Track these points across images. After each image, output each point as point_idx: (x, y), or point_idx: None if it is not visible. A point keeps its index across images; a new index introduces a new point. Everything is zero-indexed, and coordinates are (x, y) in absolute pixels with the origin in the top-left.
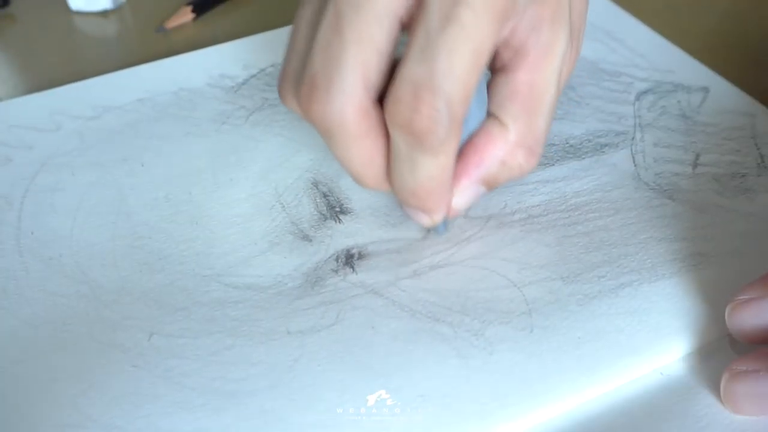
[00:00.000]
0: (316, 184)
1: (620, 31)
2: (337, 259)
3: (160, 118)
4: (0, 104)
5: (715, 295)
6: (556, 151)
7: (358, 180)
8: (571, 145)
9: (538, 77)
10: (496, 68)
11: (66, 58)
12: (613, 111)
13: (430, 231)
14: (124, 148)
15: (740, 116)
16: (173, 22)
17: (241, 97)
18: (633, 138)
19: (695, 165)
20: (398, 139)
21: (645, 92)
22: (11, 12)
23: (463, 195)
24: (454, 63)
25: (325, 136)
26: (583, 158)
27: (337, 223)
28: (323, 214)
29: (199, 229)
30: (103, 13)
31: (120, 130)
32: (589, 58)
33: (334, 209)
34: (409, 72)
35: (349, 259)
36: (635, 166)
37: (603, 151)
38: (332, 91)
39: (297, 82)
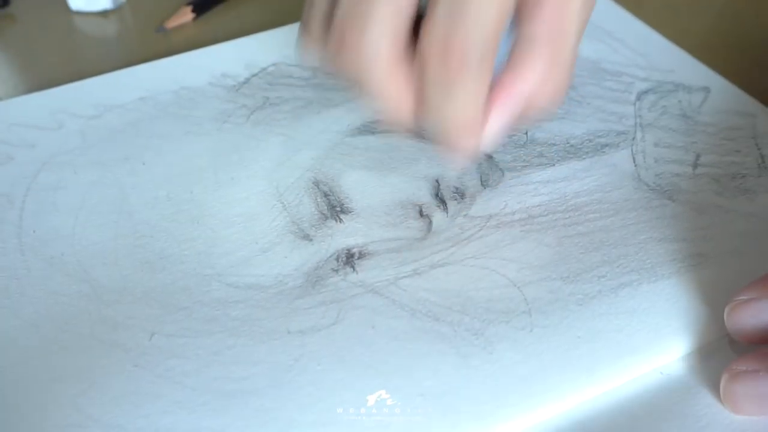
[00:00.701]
0: (317, 184)
1: (621, 31)
2: (337, 259)
3: (162, 117)
4: (1, 103)
5: (715, 295)
6: (556, 151)
7: (394, 113)
8: (572, 145)
9: (563, 15)
10: (520, 8)
11: (66, 58)
12: (613, 111)
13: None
14: (125, 147)
15: (741, 116)
16: (173, 22)
17: (243, 96)
18: (633, 138)
19: (695, 165)
20: (434, 65)
21: (646, 92)
22: (11, 12)
23: (492, 130)
24: None
25: (359, 72)
26: (584, 158)
27: (338, 222)
28: (324, 214)
29: (200, 229)
30: (103, 13)
31: (121, 129)
32: (590, 58)
33: (335, 209)
34: None
35: (350, 258)
36: (635, 166)
37: (603, 151)
38: (369, 24)
39: (326, 24)
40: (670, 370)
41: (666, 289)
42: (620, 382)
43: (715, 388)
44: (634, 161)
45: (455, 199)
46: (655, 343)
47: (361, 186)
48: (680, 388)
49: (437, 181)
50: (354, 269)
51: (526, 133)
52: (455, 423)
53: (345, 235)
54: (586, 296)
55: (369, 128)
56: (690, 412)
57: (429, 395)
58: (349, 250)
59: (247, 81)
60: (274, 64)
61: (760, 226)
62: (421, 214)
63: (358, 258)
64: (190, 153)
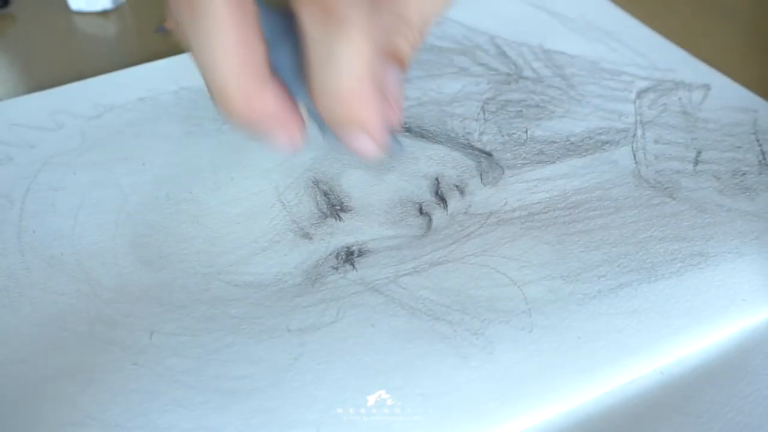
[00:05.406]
0: (316, 183)
1: (620, 32)
2: (337, 257)
3: (161, 118)
4: (1, 103)
5: (715, 295)
6: (556, 149)
7: (222, 84)
8: (572, 143)
9: None
10: None
11: (66, 58)
12: (613, 109)
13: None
14: (125, 147)
15: (742, 112)
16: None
17: None
18: (634, 135)
19: (696, 162)
20: (311, 26)
21: (646, 90)
22: (11, 12)
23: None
24: None
25: (188, 12)
26: (584, 155)
27: (338, 220)
28: (324, 212)
29: (199, 228)
30: (103, 13)
31: (121, 129)
32: (589, 58)
33: (335, 207)
34: None
35: (350, 256)
36: (636, 163)
37: (604, 149)
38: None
39: None
40: (670, 370)
41: (666, 290)
42: (620, 382)
43: (715, 386)
44: (635, 158)
45: (455, 197)
46: (655, 344)
47: (360, 185)
48: (680, 388)
49: (437, 178)
50: (354, 267)
51: (526, 131)
52: (455, 423)
53: (345, 233)
54: (586, 296)
55: None
56: (690, 411)
57: (429, 395)
58: (348, 247)
59: None
60: None
61: (761, 225)
62: (420, 211)
63: (358, 256)
64: (190, 153)
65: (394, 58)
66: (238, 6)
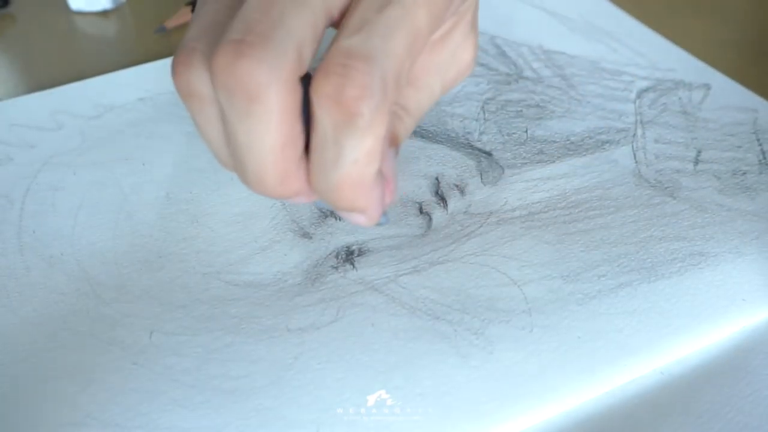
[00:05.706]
0: None
1: (621, 32)
2: (337, 256)
3: (161, 118)
4: (1, 104)
5: (715, 295)
6: (556, 149)
7: (262, 170)
8: (572, 142)
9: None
10: None
11: (66, 58)
12: (614, 108)
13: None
14: (125, 147)
15: (742, 111)
16: (173, 22)
17: None
18: (634, 135)
19: (696, 161)
20: (324, 116)
21: (646, 90)
22: (11, 12)
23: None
24: (390, 39)
25: (243, 103)
26: (584, 155)
27: (338, 220)
28: (323, 212)
29: (199, 228)
30: (103, 13)
31: (121, 129)
32: (590, 58)
33: None
34: (343, 42)
35: (349, 255)
36: (636, 162)
37: (604, 148)
38: (269, 47)
39: (215, 38)
40: (670, 370)
41: (666, 289)
42: (620, 382)
43: (715, 386)
44: (635, 157)
45: (455, 197)
46: (654, 344)
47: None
48: (680, 387)
49: (437, 178)
50: (354, 266)
51: (526, 131)
52: (455, 423)
53: (345, 232)
54: (586, 296)
55: None
56: (690, 410)
57: (429, 395)
58: (348, 247)
59: None
60: None
61: (761, 225)
62: (420, 211)
63: (358, 255)
64: (190, 153)
65: (391, 142)
66: (293, 100)
